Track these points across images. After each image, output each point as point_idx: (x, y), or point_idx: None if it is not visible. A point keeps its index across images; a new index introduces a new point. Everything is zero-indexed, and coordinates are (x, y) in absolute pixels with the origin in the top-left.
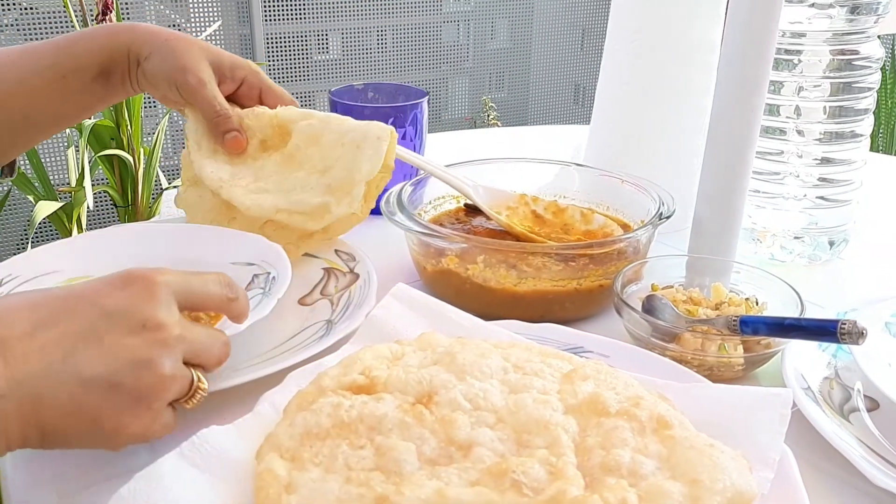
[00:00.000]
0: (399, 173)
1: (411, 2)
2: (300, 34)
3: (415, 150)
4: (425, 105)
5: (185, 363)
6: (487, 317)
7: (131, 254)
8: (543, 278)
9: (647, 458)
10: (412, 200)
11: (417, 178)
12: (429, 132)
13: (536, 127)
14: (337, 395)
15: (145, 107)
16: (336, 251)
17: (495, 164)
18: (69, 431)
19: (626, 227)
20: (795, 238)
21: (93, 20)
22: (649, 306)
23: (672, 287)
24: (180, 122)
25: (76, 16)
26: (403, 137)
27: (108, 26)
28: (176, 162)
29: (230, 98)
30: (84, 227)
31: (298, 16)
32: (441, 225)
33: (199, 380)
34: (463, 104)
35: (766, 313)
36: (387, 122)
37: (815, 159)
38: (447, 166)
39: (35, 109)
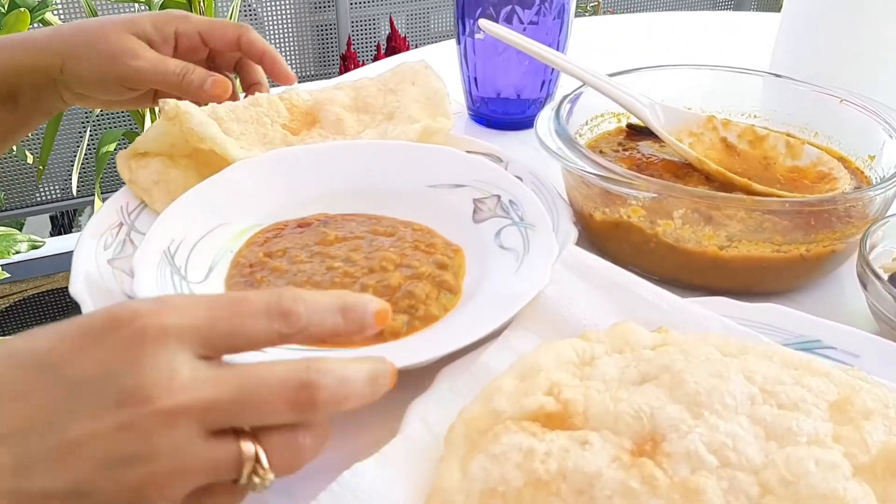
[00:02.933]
0: (536, 79)
1: None
2: None
3: (560, 52)
4: None
5: (242, 432)
6: (677, 284)
7: (305, 184)
8: (762, 241)
9: None
10: (567, 122)
11: (575, 90)
12: None
13: (677, 14)
14: (522, 431)
15: None
16: (468, 153)
17: (667, 73)
18: None
19: (844, 162)
20: None
21: None
22: None
23: None
24: None
25: None
26: (546, 34)
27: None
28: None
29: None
30: (157, 111)
31: None
32: (601, 152)
33: (257, 458)
34: None
35: None
36: (523, 12)
37: None
38: (610, 76)
39: None
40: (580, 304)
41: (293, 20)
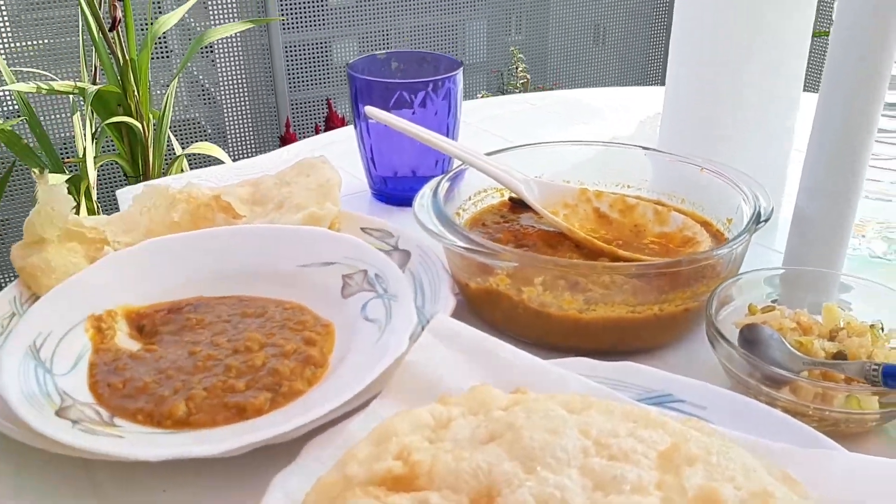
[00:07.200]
0: (430, 158)
1: None
2: None
3: (448, 133)
4: (460, 77)
5: None
6: (545, 347)
7: (179, 271)
8: (616, 303)
9: None
10: (449, 198)
11: (456, 169)
12: None
13: (586, 90)
14: (366, 496)
15: (153, 69)
16: (362, 229)
17: (546, 149)
18: None
19: (706, 226)
20: None
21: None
22: (751, 338)
23: (774, 309)
24: (197, 75)
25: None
26: (435, 115)
27: None
28: (193, 115)
29: None
30: (94, 199)
31: None
32: (483, 225)
33: None
34: (481, 49)
35: (894, 342)
36: (415, 97)
37: None
38: (488, 155)
39: None
40: (445, 370)
41: (249, 102)
